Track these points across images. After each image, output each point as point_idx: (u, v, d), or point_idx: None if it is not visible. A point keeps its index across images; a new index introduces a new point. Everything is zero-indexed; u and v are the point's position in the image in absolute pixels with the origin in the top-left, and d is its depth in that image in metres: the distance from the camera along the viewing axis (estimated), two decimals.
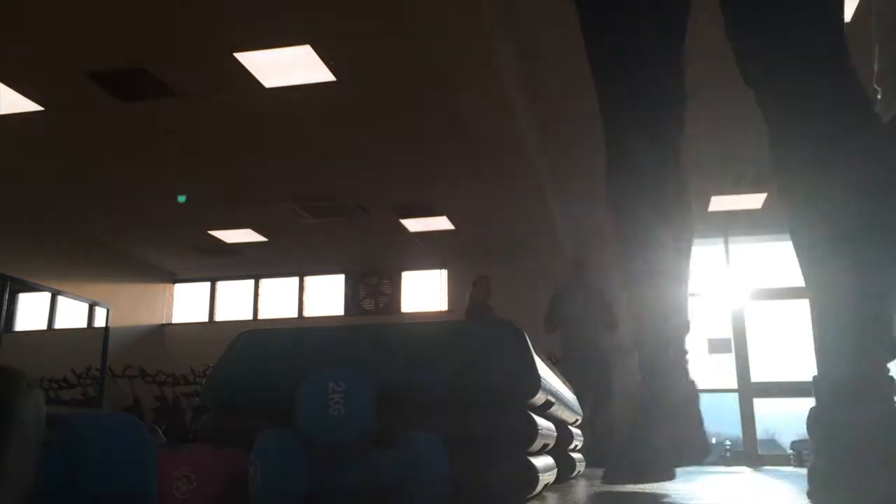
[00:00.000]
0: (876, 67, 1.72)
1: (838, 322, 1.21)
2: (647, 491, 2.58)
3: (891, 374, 1.17)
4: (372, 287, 10.66)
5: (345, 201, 8.09)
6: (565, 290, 6.49)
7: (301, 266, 10.88)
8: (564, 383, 3.13)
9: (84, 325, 9.49)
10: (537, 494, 1.96)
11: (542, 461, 2.04)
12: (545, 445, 2.14)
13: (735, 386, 9.15)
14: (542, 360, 2.15)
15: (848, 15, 4.70)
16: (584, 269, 6.54)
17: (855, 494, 1.11)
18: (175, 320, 11.31)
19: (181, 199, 7.94)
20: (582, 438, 3.78)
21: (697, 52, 5.92)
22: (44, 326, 9.02)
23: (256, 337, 2.14)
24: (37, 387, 0.80)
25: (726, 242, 9.42)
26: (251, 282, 11.21)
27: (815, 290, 1.26)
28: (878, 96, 1.72)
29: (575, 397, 3.44)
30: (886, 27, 1.70)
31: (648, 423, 1.57)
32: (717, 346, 9.26)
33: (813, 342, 1.37)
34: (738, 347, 9.22)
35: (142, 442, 0.89)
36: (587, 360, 6.17)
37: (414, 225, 8.71)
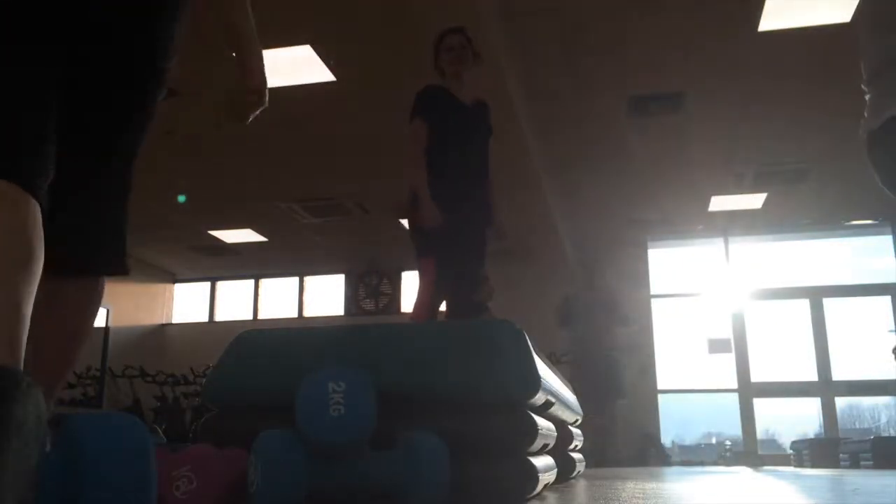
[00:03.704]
0: (864, 74, 1.70)
1: None
2: (647, 491, 2.58)
3: None
4: (372, 287, 10.65)
5: (345, 201, 8.08)
6: (576, 293, 6.52)
7: (301, 266, 10.88)
8: (564, 383, 3.12)
9: None
10: (537, 494, 1.96)
11: (542, 461, 2.04)
12: (545, 445, 2.13)
13: (735, 386, 9.15)
14: (542, 360, 2.15)
15: (847, 16, 4.70)
16: (593, 273, 6.57)
17: None
18: (175, 320, 11.30)
19: (181, 199, 7.94)
20: (582, 438, 3.78)
21: (696, 53, 5.88)
22: None
23: (256, 337, 2.14)
24: (37, 387, 0.80)
25: (726, 242, 9.42)
26: (251, 282, 11.20)
27: None
28: (866, 97, 1.70)
29: (575, 397, 3.43)
30: (872, 26, 1.68)
31: None
32: (717, 346, 9.25)
33: None
34: (738, 347, 9.21)
35: (142, 442, 0.89)
36: (597, 361, 6.19)
37: None
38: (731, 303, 9.36)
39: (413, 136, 3.33)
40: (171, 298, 11.37)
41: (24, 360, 0.92)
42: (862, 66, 1.70)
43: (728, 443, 9.12)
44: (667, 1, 4.68)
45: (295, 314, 10.90)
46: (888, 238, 9.07)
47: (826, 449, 7.80)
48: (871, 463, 6.84)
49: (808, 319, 9.21)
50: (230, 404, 2.02)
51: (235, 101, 1.45)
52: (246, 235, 9.31)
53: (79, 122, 1.20)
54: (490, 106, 3.60)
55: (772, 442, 9.66)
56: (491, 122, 3.59)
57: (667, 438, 9.23)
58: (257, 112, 1.46)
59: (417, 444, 1.56)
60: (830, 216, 8.85)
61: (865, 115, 1.67)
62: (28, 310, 0.91)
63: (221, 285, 11.35)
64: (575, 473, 3.17)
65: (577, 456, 3.37)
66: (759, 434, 9.17)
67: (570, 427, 3.05)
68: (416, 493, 1.52)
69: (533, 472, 1.78)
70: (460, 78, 3.44)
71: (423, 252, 3.26)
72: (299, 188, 7.77)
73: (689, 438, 10.28)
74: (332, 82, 5.55)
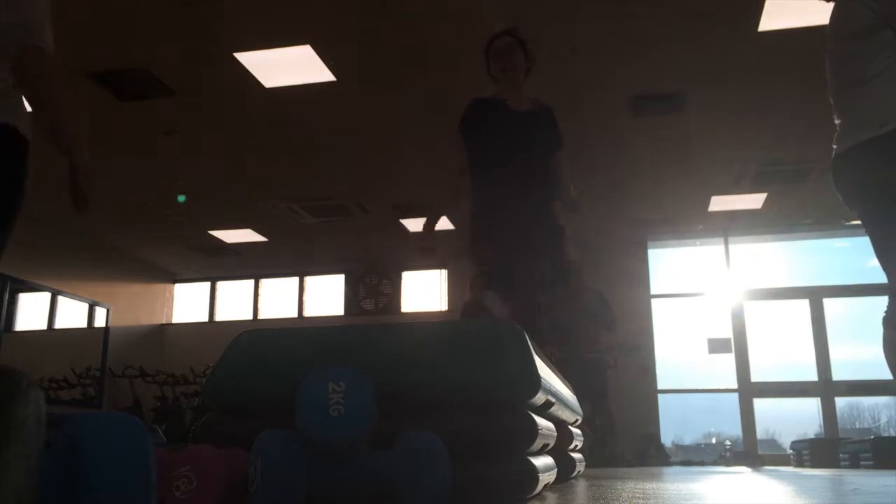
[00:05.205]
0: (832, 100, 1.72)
1: None
2: (647, 491, 2.58)
3: None
4: (372, 287, 10.66)
5: (345, 201, 8.08)
6: (559, 296, 6.47)
7: (301, 266, 10.88)
8: (565, 383, 3.12)
9: (84, 325, 9.49)
10: (537, 494, 1.96)
11: (542, 461, 2.03)
12: (545, 445, 2.13)
13: (735, 386, 9.15)
14: (542, 360, 2.15)
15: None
16: (578, 275, 6.53)
17: None
18: (175, 320, 11.30)
19: (181, 199, 7.94)
20: (582, 438, 3.78)
21: (696, 53, 5.88)
22: (44, 326, 9.02)
23: (256, 337, 2.13)
24: (37, 387, 0.80)
25: (726, 242, 9.42)
26: (251, 282, 11.21)
27: None
28: (837, 121, 1.72)
29: (575, 397, 3.43)
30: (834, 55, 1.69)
31: None
32: (717, 346, 9.25)
33: None
34: (738, 347, 9.21)
35: (142, 442, 0.89)
36: (584, 362, 6.16)
37: (414, 225, 8.70)
38: (731, 303, 9.35)
39: (451, 158, 3.16)
40: (171, 298, 11.37)
41: None
42: (831, 92, 1.73)
43: (728, 443, 9.12)
44: (667, 1, 4.69)
45: (295, 314, 10.90)
46: None
47: (826, 449, 7.80)
48: (871, 463, 6.84)
49: (808, 319, 9.21)
50: (230, 404, 2.02)
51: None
52: (246, 235, 9.31)
53: None
54: (551, 110, 3.31)
55: (772, 442, 9.66)
56: (557, 129, 3.30)
57: (667, 438, 9.23)
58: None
59: (417, 444, 1.56)
60: (830, 216, 8.85)
61: (836, 135, 1.72)
62: None
63: (221, 285, 11.36)
64: (575, 473, 3.17)
65: (577, 456, 3.37)
66: (759, 434, 9.17)
67: (570, 427, 3.05)
68: (416, 493, 1.52)
69: (533, 472, 1.78)
70: (516, 83, 3.19)
71: (497, 288, 3.08)
72: (299, 188, 7.77)
73: (689, 438, 10.28)
74: (332, 82, 5.56)
